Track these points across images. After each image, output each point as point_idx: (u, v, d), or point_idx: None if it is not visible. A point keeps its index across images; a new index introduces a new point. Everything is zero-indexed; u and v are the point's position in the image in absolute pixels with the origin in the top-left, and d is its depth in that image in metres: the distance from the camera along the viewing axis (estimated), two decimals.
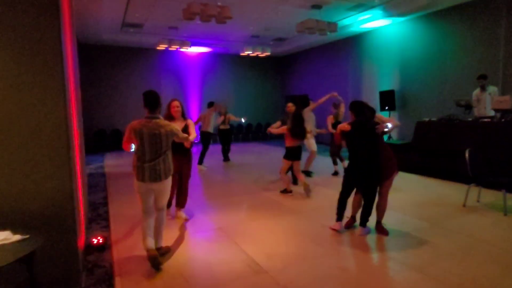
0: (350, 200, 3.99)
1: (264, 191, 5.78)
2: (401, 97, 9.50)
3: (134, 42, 11.45)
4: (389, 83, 9.90)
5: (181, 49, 11.63)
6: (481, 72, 6.69)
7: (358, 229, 3.85)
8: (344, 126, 3.81)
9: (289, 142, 5.43)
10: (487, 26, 7.36)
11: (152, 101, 3.29)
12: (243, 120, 9.00)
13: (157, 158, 3.05)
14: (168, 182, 3.18)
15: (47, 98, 2.43)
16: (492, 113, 6.35)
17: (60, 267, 2.58)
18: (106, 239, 3.63)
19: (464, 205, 4.81)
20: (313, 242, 3.65)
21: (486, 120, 6.34)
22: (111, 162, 9.28)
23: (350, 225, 4.03)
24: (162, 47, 11.19)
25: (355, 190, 3.99)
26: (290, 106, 6.21)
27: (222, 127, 8.74)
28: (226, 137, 8.90)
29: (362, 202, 3.91)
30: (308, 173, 6.91)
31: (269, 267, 3.06)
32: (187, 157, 4.32)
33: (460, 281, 2.78)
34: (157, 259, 3.01)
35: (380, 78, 10.27)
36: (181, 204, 4.48)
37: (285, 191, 5.61)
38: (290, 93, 14.82)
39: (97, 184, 6.56)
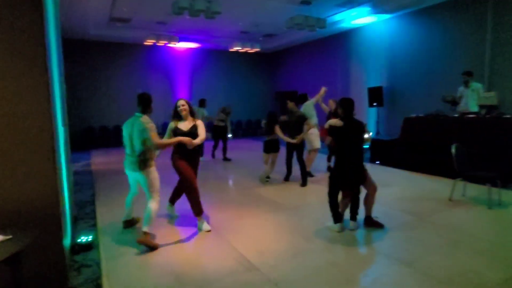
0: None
1: (255, 188, 5.77)
2: (389, 93, 9.60)
3: (122, 37, 11.23)
4: (377, 79, 9.98)
5: (169, 45, 11.47)
6: (468, 69, 6.80)
7: (351, 223, 3.87)
8: (336, 122, 3.75)
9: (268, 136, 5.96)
10: (473, 23, 7.48)
11: (138, 100, 3.92)
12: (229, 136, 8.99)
13: (133, 151, 3.55)
14: (146, 174, 3.48)
15: (29, 94, 2.34)
16: (475, 109, 6.48)
17: (47, 267, 2.52)
18: (93, 238, 3.56)
19: (450, 199, 4.90)
20: (303, 238, 3.66)
21: (471, 116, 6.46)
22: (98, 160, 9.13)
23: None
24: (150, 42, 11.03)
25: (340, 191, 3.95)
26: (288, 103, 6.21)
27: (217, 123, 8.36)
28: (221, 134, 8.52)
29: (347, 202, 3.95)
30: (310, 175, 6.47)
31: (260, 264, 3.05)
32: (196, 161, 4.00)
33: (448, 275, 2.83)
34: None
35: (369, 75, 10.35)
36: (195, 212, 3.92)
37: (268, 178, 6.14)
38: (280, 89, 14.83)
39: (84, 182, 6.43)
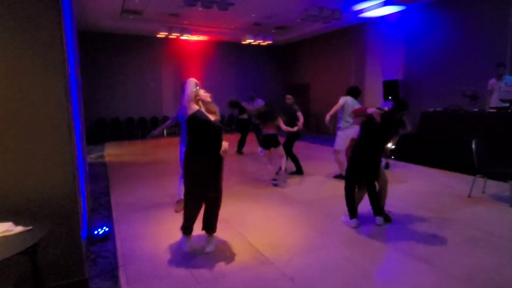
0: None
1: (266, 181, 5.72)
2: (404, 87, 9.38)
3: (134, 29, 11.25)
4: (393, 72, 9.76)
5: (182, 37, 11.43)
6: (500, 61, 6.38)
7: (377, 219, 3.79)
8: (378, 112, 3.56)
9: (265, 130, 5.55)
10: (494, 15, 7.21)
11: None
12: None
13: None
14: None
15: (47, 87, 2.34)
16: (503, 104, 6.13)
17: (63, 258, 2.54)
18: (109, 229, 3.59)
19: (469, 196, 4.77)
20: (318, 232, 3.61)
21: (491, 110, 6.25)
22: (111, 152, 9.23)
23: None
24: (162, 34, 11.02)
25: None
26: (290, 98, 6.17)
27: (242, 116, 8.37)
28: (245, 127, 8.46)
29: (363, 196, 3.91)
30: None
31: (274, 258, 3.03)
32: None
33: (467, 272, 2.75)
34: None
35: (384, 68, 10.13)
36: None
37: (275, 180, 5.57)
38: (292, 83, 14.68)
39: (98, 174, 6.50)
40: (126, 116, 12.14)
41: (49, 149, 2.38)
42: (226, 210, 4.29)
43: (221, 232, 3.56)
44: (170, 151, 8.40)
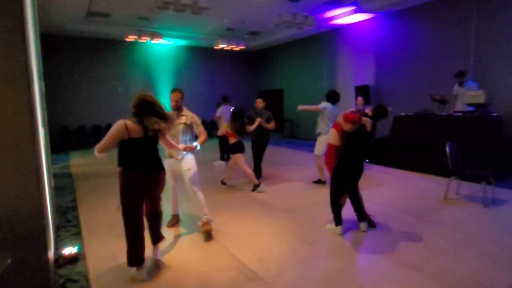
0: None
1: (244, 189, 5.56)
2: (376, 92, 9.63)
3: (101, 32, 10.72)
4: (364, 78, 10.00)
5: (152, 41, 11.02)
6: (456, 67, 6.83)
7: (362, 225, 3.76)
8: (367, 121, 3.59)
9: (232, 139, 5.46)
10: (458, 22, 7.58)
11: None
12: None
13: None
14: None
15: (9, 94, 2.05)
16: (469, 108, 6.51)
17: (28, 285, 2.23)
18: (79, 249, 3.26)
19: (445, 198, 4.89)
20: (305, 242, 3.50)
21: (459, 114, 6.53)
22: (77, 161, 8.66)
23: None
24: (131, 38, 10.57)
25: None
26: (260, 102, 6.11)
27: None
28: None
29: (345, 201, 3.88)
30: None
31: (263, 273, 2.87)
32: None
33: (458, 277, 2.75)
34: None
35: (356, 73, 10.36)
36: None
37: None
38: (265, 88, 14.67)
39: (64, 186, 6.03)
40: (92, 123, 11.50)
41: (10, 163, 2.08)
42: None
43: (205, 247, 3.35)
44: None
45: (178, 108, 3.68)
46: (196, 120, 3.72)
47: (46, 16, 8.63)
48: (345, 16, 9.40)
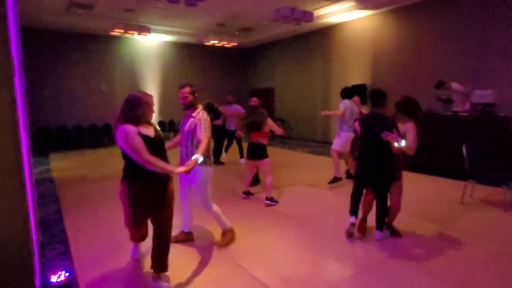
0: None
1: (251, 196, 5.13)
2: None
3: (84, 26, 9.99)
4: (361, 76, 9.76)
5: (140, 36, 10.36)
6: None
7: (376, 233, 3.46)
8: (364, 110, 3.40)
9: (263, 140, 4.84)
10: (460, 19, 7.41)
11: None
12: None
13: None
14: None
15: None
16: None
17: None
18: (70, 273, 2.76)
19: (462, 202, 4.65)
20: (329, 256, 3.13)
21: (464, 114, 6.34)
22: (58, 164, 7.97)
23: (363, 229, 3.62)
24: (117, 32, 9.89)
25: (365, 190, 3.62)
26: (255, 101, 5.61)
27: (217, 122, 7.43)
28: (220, 134, 7.63)
29: (373, 204, 3.60)
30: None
31: None
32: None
33: None
34: None
35: (352, 72, 10.10)
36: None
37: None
38: (255, 86, 14.26)
39: (45, 194, 5.42)
40: (74, 123, 10.76)
41: None
42: (215, 234, 3.65)
43: (219, 267, 2.92)
44: None
45: (189, 106, 3.16)
46: (201, 124, 3.05)
47: (24, 7, 7.89)
48: (342, 13, 9.12)
